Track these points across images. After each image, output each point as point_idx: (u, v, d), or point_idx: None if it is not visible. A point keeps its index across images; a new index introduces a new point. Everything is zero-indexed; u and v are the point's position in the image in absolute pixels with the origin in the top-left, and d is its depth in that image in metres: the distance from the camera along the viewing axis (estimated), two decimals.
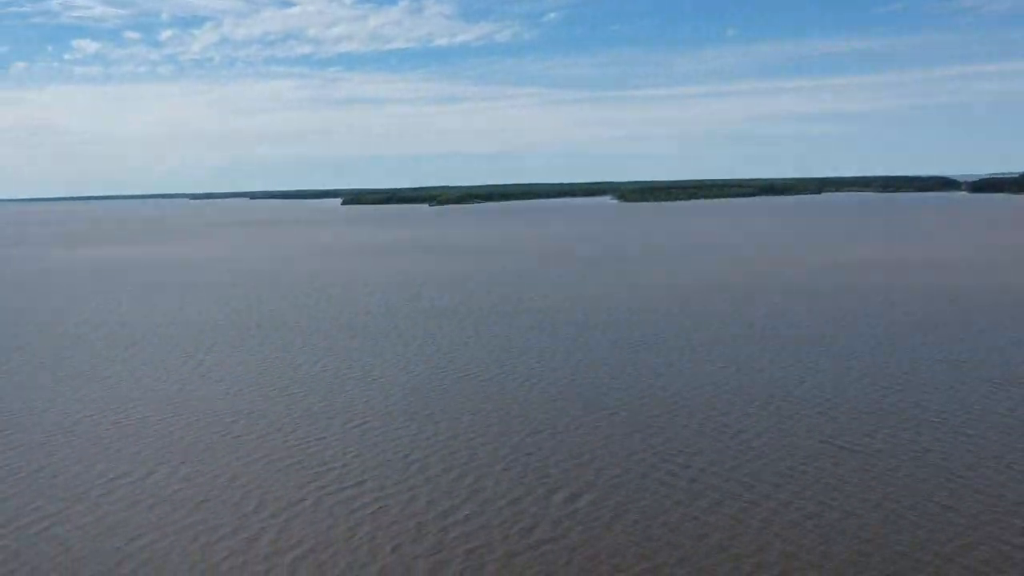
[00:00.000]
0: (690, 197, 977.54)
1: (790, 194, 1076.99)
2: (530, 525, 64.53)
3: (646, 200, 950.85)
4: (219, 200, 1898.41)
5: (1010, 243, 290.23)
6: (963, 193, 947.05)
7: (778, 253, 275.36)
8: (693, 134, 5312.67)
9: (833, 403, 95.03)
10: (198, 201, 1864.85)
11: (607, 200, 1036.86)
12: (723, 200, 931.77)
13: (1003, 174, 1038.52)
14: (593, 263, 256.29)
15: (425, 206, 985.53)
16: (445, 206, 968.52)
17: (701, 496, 69.36)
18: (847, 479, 72.26)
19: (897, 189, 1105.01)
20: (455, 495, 70.73)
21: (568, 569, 57.58)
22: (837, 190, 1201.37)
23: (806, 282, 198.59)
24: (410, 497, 70.44)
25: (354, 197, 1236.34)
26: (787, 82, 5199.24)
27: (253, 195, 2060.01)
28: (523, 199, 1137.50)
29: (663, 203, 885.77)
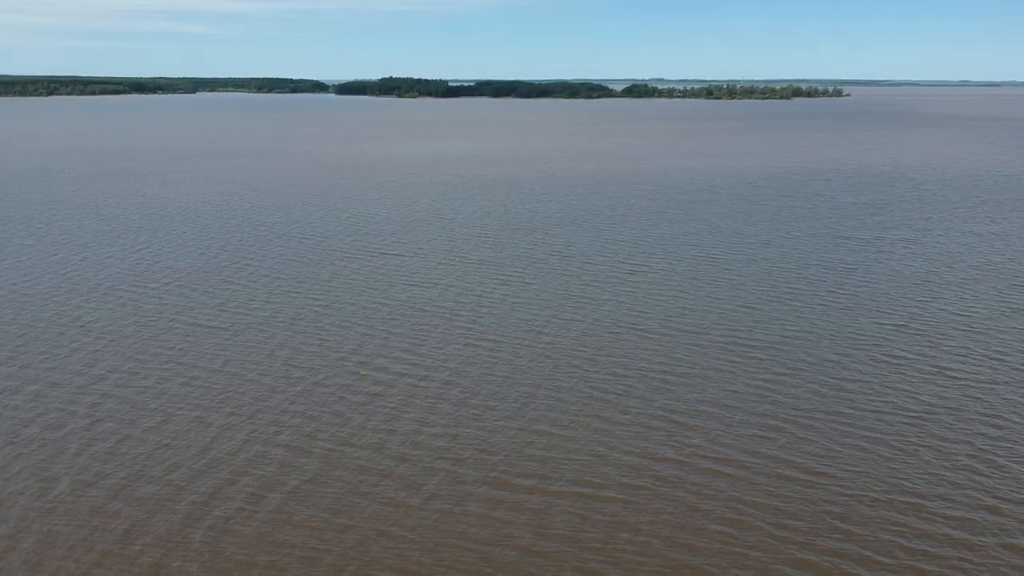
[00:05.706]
0: (49, 93, 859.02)
1: (163, 93, 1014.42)
2: None
3: None
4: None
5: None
6: (332, 95, 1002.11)
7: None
8: (42, 26, 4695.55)
9: None
10: None
11: None
12: (92, 97, 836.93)
13: (363, 79, 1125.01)
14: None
15: None
16: None
17: None
18: None
19: (271, 90, 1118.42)
20: None
21: None
22: (212, 90, 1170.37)
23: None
24: None
25: None
26: None
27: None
28: None
29: (16, 98, 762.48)
